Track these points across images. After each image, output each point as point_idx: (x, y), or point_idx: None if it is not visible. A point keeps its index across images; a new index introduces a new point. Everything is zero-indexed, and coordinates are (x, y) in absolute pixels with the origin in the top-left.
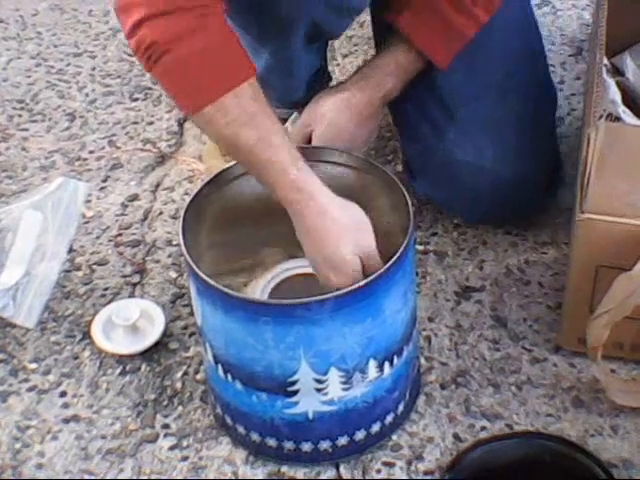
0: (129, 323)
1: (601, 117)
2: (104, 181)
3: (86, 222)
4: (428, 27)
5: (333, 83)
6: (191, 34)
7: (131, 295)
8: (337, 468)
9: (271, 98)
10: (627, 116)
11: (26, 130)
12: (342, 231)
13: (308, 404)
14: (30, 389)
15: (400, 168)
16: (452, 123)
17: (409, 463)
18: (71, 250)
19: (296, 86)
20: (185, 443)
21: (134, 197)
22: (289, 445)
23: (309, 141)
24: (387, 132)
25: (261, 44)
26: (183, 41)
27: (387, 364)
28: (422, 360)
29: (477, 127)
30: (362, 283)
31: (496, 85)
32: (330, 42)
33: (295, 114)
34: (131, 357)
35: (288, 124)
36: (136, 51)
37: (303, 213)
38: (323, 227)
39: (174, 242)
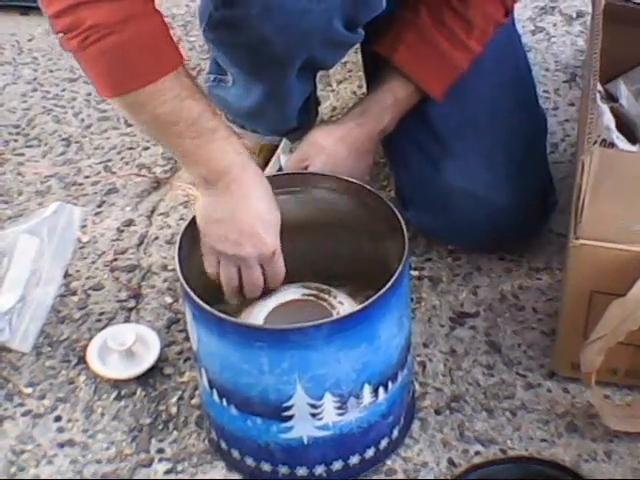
0: (124, 348)
1: (595, 143)
2: (99, 206)
3: (82, 247)
4: (424, 61)
5: (326, 105)
6: (136, 18)
7: (126, 320)
8: None
9: (264, 128)
10: (621, 142)
11: (22, 155)
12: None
13: (303, 429)
14: (25, 413)
15: (394, 194)
16: (445, 153)
17: None
18: (67, 275)
19: (289, 115)
20: (180, 467)
21: (130, 222)
22: (284, 470)
23: None
24: (381, 158)
25: (256, 79)
26: (128, 24)
27: (382, 389)
28: (417, 385)
29: (470, 156)
30: (357, 309)
31: (486, 113)
32: None
33: (285, 141)
34: (126, 382)
35: (279, 151)
36: (67, 31)
37: (237, 181)
38: (239, 209)
39: (169, 267)
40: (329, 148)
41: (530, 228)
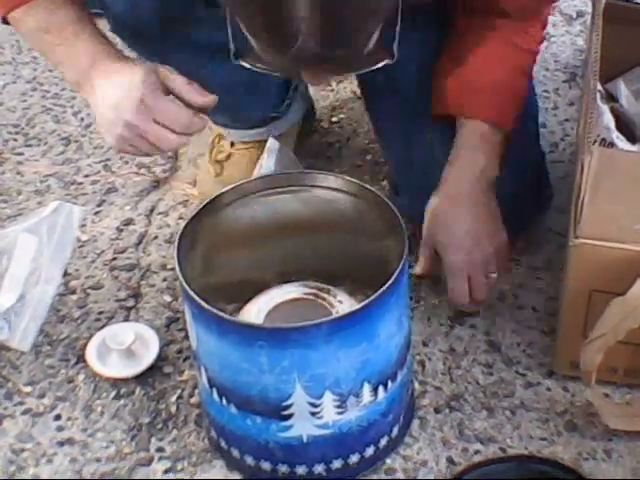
0: (124, 347)
1: (595, 143)
2: (99, 205)
3: (81, 246)
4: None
5: (325, 105)
6: None
7: (126, 319)
8: None
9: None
10: (621, 142)
11: (21, 154)
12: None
13: (302, 428)
14: (25, 412)
15: (387, 181)
16: (435, 138)
17: None
18: (66, 274)
19: (263, 97)
20: (179, 466)
21: (129, 221)
22: (283, 469)
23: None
24: (381, 157)
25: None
26: None
27: (381, 388)
28: (416, 384)
29: None
30: (357, 307)
31: None
32: None
33: (272, 140)
34: (125, 381)
35: (265, 153)
36: None
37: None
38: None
39: (169, 266)
40: (451, 218)
41: (524, 221)
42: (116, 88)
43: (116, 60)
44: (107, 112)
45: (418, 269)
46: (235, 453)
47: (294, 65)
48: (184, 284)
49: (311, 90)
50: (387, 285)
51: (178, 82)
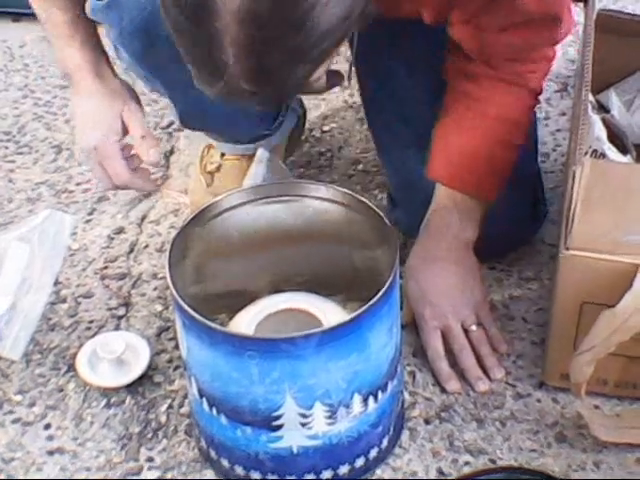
0: (114, 356)
1: (586, 154)
2: (90, 214)
3: (72, 254)
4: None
5: (317, 114)
6: None
7: (116, 328)
8: None
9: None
10: (612, 153)
11: (12, 162)
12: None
13: (292, 438)
14: (15, 421)
15: (386, 203)
16: None
17: None
18: (57, 282)
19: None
20: (169, 476)
21: (120, 230)
22: (273, 479)
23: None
24: (373, 167)
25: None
26: None
27: (372, 399)
28: (406, 395)
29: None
30: (348, 318)
31: None
32: None
33: (261, 150)
34: (116, 390)
35: (254, 163)
36: None
37: (76, 85)
38: (75, 109)
39: (160, 275)
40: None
41: (519, 237)
42: (85, 115)
43: (96, 79)
44: (77, 128)
45: (404, 318)
46: (225, 463)
47: (227, 97)
48: (175, 294)
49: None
50: (378, 296)
51: (135, 132)
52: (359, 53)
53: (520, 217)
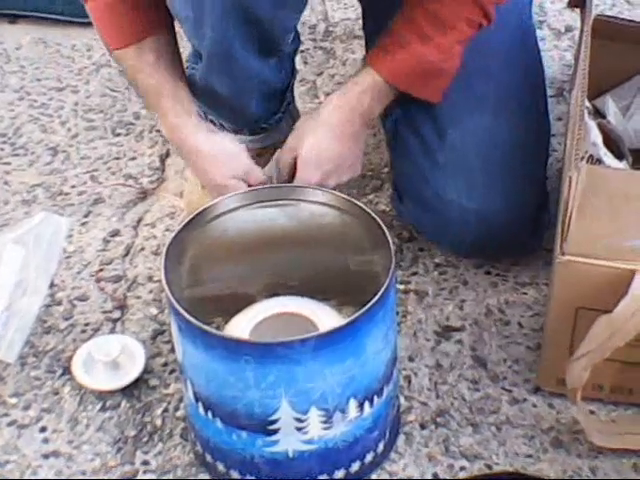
0: (109, 359)
1: (582, 159)
2: (86, 216)
3: (67, 257)
4: (396, 61)
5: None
6: None
7: (112, 331)
8: None
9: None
10: (608, 158)
11: (8, 164)
12: (211, 161)
13: (288, 443)
14: (10, 424)
15: (382, 207)
16: (442, 143)
17: None
18: (52, 285)
19: (248, 102)
20: None
21: (115, 232)
22: None
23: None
24: (368, 171)
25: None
26: None
27: (367, 403)
28: (402, 399)
29: (466, 154)
30: (344, 323)
31: (490, 114)
32: (312, 80)
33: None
34: (111, 393)
35: (274, 165)
36: None
37: (182, 150)
38: (196, 161)
39: (155, 278)
40: (312, 134)
41: (522, 244)
42: (200, 174)
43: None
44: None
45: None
46: (220, 467)
47: None
48: (171, 297)
49: (298, 102)
50: (374, 301)
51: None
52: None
53: (524, 223)
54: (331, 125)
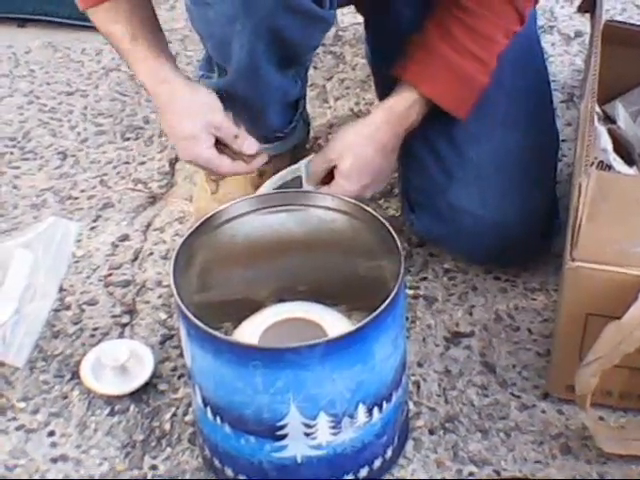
0: (118, 364)
1: (592, 165)
2: (95, 220)
3: (76, 261)
4: (433, 75)
5: (323, 122)
6: None
7: (120, 335)
8: None
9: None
10: (618, 164)
11: (17, 168)
12: (185, 109)
13: (297, 448)
14: (18, 428)
15: (391, 212)
16: (459, 158)
17: None
18: (61, 289)
19: (266, 112)
20: None
21: (125, 237)
22: None
23: (330, 175)
24: None
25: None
26: None
27: (376, 409)
28: (411, 405)
29: (480, 165)
30: (353, 328)
31: (500, 125)
32: (322, 85)
33: (308, 160)
34: (120, 398)
35: (303, 169)
36: None
37: (158, 94)
38: (170, 107)
39: (164, 283)
40: (357, 147)
41: (533, 249)
42: (170, 132)
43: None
44: (168, 126)
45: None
46: (229, 472)
47: None
48: (179, 302)
49: (308, 106)
50: (383, 306)
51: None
52: (378, 70)
53: (536, 229)
54: (377, 140)
